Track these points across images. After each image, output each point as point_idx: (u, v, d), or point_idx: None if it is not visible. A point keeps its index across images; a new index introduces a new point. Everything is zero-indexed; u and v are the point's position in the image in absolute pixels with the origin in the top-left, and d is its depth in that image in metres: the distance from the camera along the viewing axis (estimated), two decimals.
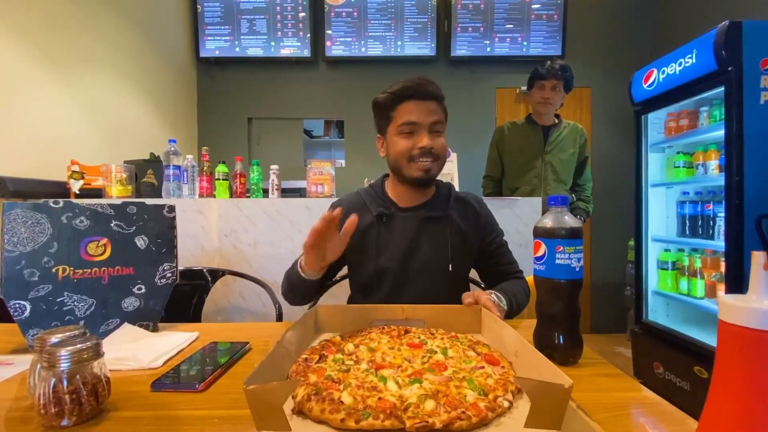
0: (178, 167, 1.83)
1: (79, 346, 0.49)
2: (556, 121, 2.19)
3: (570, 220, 0.67)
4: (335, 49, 3.28)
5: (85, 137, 2.17)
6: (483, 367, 0.60)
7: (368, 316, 0.82)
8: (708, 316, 1.94)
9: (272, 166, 1.90)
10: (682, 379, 1.85)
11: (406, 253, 1.02)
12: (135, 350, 0.71)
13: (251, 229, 1.80)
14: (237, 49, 3.27)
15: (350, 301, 1.14)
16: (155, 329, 0.87)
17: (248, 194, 1.95)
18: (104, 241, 0.83)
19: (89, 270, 0.81)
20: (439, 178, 1.11)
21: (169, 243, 0.90)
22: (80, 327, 0.55)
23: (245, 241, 1.80)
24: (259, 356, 0.71)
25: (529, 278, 0.90)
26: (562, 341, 0.67)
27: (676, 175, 2.10)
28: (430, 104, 0.98)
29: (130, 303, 0.85)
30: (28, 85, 1.84)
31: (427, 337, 0.73)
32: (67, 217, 0.80)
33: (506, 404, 0.49)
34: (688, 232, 2.07)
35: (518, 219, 1.81)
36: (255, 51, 3.27)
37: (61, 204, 0.80)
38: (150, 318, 0.87)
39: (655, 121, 2.18)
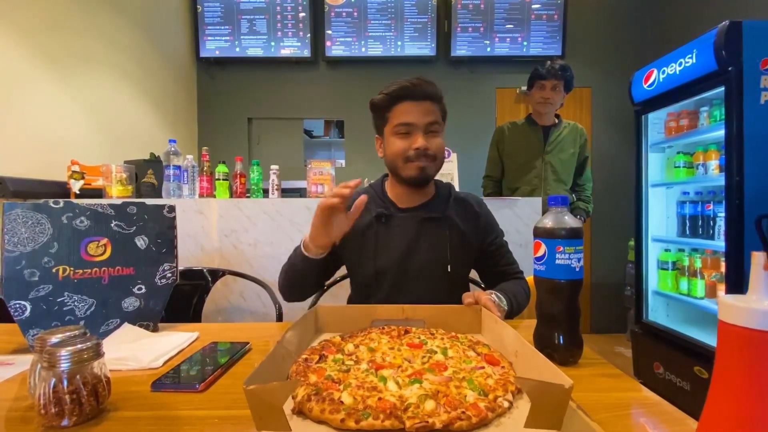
0: (179, 167, 1.83)
1: (79, 346, 0.49)
2: (556, 121, 2.19)
3: (570, 220, 0.67)
4: (335, 49, 3.28)
5: (85, 137, 2.17)
6: (483, 368, 0.60)
7: (368, 316, 0.82)
8: (708, 316, 1.94)
9: (272, 166, 1.90)
10: (682, 379, 1.85)
11: (404, 253, 1.01)
12: (135, 350, 0.71)
13: (251, 229, 1.80)
14: (237, 49, 3.27)
15: (350, 301, 1.14)
16: (155, 329, 0.87)
17: (248, 194, 1.95)
18: (104, 241, 0.83)
19: (89, 270, 0.81)
20: (439, 178, 1.11)
21: (169, 243, 0.90)
22: (80, 327, 0.55)
23: (245, 241, 1.80)
24: (259, 356, 0.71)
25: (530, 278, 0.90)
26: (562, 341, 0.67)
27: (676, 175, 2.10)
28: (426, 104, 0.97)
29: (130, 303, 0.85)
30: (28, 85, 1.84)
31: (427, 338, 0.72)
32: (67, 217, 0.80)
33: (506, 404, 0.49)
34: (688, 232, 2.07)
35: (518, 219, 1.81)
36: (255, 51, 3.27)
37: (61, 204, 0.80)
38: (150, 318, 0.87)
39: (655, 121, 2.18)
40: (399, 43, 3.26)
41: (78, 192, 1.82)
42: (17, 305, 0.75)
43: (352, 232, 0.96)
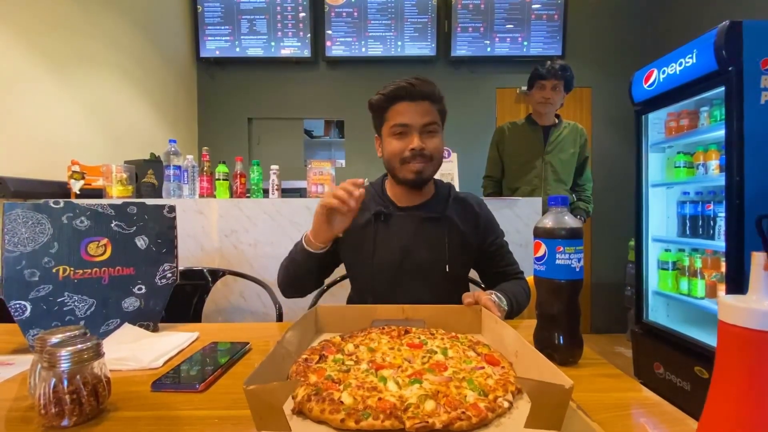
0: (179, 167, 1.83)
1: (79, 346, 0.49)
2: (557, 121, 2.19)
3: (570, 221, 0.67)
4: (335, 49, 3.28)
5: (85, 137, 2.17)
6: (483, 368, 0.59)
7: (368, 316, 0.82)
8: (708, 316, 1.94)
9: (272, 166, 1.90)
10: (682, 379, 1.85)
11: (402, 252, 1.01)
12: (135, 350, 0.71)
13: (251, 230, 1.80)
14: (237, 49, 3.27)
15: (349, 300, 1.14)
16: (155, 329, 0.87)
17: (248, 194, 1.95)
18: (104, 241, 0.84)
19: (89, 270, 0.82)
20: (439, 178, 1.11)
21: (169, 243, 0.90)
22: (81, 327, 0.55)
23: (245, 241, 1.80)
24: (259, 356, 0.71)
25: (530, 278, 0.90)
26: (562, 341, 0.67)
27: (676, 175, 2.10)
28: (423, 105, 0.97)
29: (130, 303, 0.85)
30: (28, 85, 1.84)
31: (427, 338, 0.72)
32: (67, 217, 0.80)
33: (506, 405, 0.49)
34: (688, 232, 2.07)
35: (518, 219, 1.81)
36: (255, 51, 3.27)
37: (61, 204, 0.80)
38: (150, 318, 0.87)
39: (656, 121, 2.18)
40: (399, 43, 3.26)
41: (78, 192, 1.82)
42: (17, 305, 0.75)
43: (351, 230, 0.97)
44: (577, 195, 2.23)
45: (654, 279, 2.19)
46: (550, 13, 3.23)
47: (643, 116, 2.17)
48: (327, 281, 1.14)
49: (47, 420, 0.48)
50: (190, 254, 1.77)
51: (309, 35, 3.24)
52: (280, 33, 3.25)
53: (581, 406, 0.49)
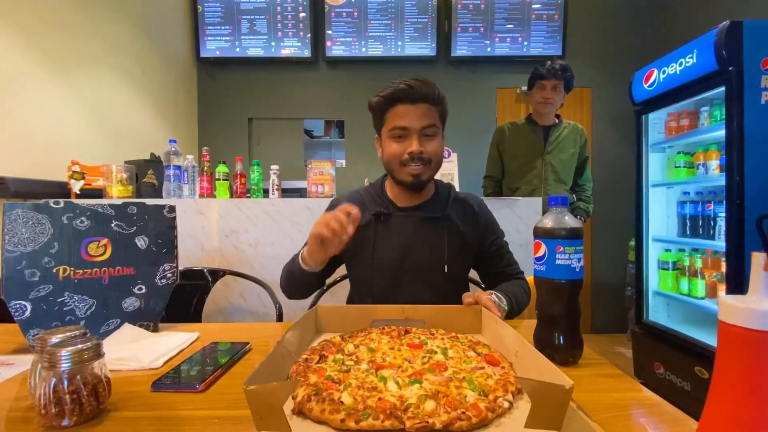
0: (179, 167, 1.83)
1: (79, 346, 0.49)
2: (557, 121, 2.19)
3: (570, 221, 0.67)
4: (335, 49, 3.28)
5: (85, 137, 2.17)
6: (483, 368, 0.59)
7: (368, 317, 0.82)
8: (709, 316, 1.94)
9: (272, 167, 1.90)
10: (682, 379, 1.85)
11: (402, 252, 1.02)
12: (135, 350, 0.71)
13: (252, 230, 1.80)
14: (237, 50, 3.27)
15: (349, 300, 1.14)
16: (156, 329, 0.88)
17: (249, 194, 1.95)
18: (105, 241, 0.84)
19: (90, 270, 0.82)
20: (439, 178, 1.11)
21: (169, 243, 0.90)
22: (81, 327, 0.55)
23: (246, 241, 1.80)
24: (259, 356, 0.71)
25: (530, 278, 0.90)
26: (562, 341, 0.67)
27: (676, 175, 2.10)
28: (422, 107, 0.96)
29: (130, 303, 0.85)
30: (28, 85, 1.84)
31: (427, 338, 0.72)
32: (67, 217, 0.80)
33: (506, 405, 0.49)
34: (688, 232, 2.07)
35: (518, 219, 1.81)
36: (255, 51, 3.27)
37: (61, 204, 0.80)
38: (150, 318, 0.87)
39: (656, 121, 2.18)
40: (399, 43, 3.26)
41: (78, 192, 1.82)
42: (18, 305, 0.75)
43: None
44: (577, 195, 2.23)
45: (654, 279, 2.19)
46: (550, 13, 3.23)
47: (643, 116, 2.17)
48: (327, 281, 1.15)
49: (47, 420, 0.48)
50: (190, 254, 1.77)
51: (309, 35, 3.24)
52: (280, 33, 3.25)
53: (581, 406, 0.49)
